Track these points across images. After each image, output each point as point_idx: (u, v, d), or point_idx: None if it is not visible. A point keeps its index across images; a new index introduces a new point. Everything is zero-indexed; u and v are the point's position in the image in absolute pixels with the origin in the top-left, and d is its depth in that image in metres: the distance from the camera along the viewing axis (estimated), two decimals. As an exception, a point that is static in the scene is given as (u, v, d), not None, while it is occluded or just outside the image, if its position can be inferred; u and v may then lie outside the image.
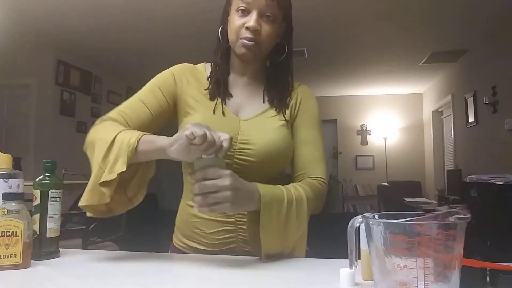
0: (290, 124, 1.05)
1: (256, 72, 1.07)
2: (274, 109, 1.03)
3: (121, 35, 4.44)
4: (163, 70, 1.10)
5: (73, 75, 5.22)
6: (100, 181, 0.83)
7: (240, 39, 0.97)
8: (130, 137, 0.85)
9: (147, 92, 1.02)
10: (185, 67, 1.09)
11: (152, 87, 1.03)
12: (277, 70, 1.07)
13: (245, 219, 0.95)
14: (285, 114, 1.03)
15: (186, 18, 3.88)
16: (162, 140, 0.81)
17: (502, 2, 3.54)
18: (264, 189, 0.87)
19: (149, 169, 0.91)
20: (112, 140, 0.86)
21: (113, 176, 0.82)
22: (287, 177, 1.08)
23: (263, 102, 1.05)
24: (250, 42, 0.96)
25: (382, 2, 3.62)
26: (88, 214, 0.88)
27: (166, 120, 1.03)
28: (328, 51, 5.06)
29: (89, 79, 5.57)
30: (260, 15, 0.96)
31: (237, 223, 0.96)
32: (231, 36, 1.00)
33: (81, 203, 0.86)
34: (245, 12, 0.96)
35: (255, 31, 0.95)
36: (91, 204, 0.85)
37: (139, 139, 0.84)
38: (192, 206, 0.99)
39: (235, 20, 0.97)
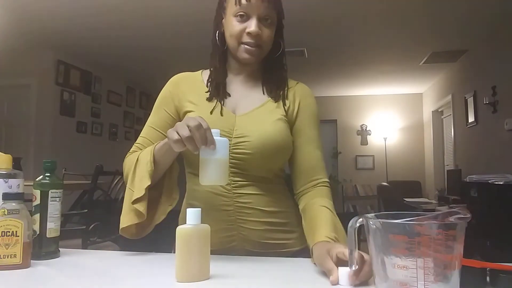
0: (291, 121, 1.06)
1: (253, 70, 1.09)
2: (273, 101, 1.05)
3: (121, 35, 4.44)
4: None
5: (73, 75, 5.22)
6: (132, 199, 0.92)
7: (242, 44, 0.99)
8: (147, 153, 0.95)
9: (155, 117, 1.08)
10: (180, 77, 1.12)
11: (157, 110, 1.09)
12: (273, 65, 1.09)
13: (245, 218, 0.97)
14: (284, 106, 1.05)
15: (186, 18, 3.88)
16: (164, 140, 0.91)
17: (502, 2, 3.54)
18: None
19: (173, 168, 1.00)
20: (136, 161, 0.96)
21: (142, 192, 0.91)
22: (287, 176, 1.08)
23: (263, 93, 1.07)
24: (253, 48, 0.99)
25: (382, 2, 3.62)
26: (125, 235, 0.96)
27: None
28: (328, 51, 5.05)
29: (89, 79, 5.57)
30: (259, 19, 0.97)
31: (238, 221, 0.97)
32: (231, 41, 1.01)
33: (121, 225, 0.94)
34: (244, 17, 0.98)
35: (257, 35, 0.97)
36: (128, 226, 0.93)
37: (154, 151, 0.93)
38: (194, 205, 1.00)
39: (235, 26, 0.99)
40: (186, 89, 1.07)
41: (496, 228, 2.96)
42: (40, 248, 0.88)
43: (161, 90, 1.12)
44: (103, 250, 1.12)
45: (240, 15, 0.97)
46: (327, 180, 1.06)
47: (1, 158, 0.91)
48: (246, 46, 0.99)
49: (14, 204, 0.81)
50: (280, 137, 0.99)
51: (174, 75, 1.14)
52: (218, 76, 1.06)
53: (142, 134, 1.08)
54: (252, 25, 0.97)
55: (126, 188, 0.96)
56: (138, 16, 3.92)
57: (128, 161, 1.01)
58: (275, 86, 1.07)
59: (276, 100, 1.05)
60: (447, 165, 6.20)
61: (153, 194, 0.97)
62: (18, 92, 4.84)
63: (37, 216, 0.89)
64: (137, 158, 0.96)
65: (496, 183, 3.15)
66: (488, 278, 0.64)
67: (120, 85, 6.34)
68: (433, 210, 4.07)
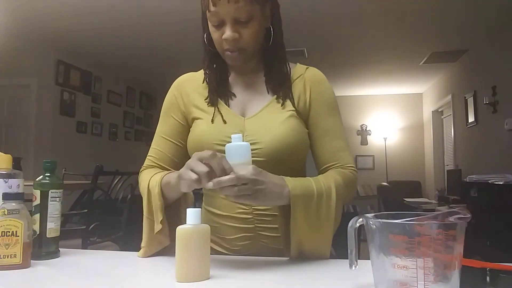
0: (305, 114, 0.99)
1: (255, 66, 1.04)
2: (280, 98, 0.99)
3: (121, 35, 4.44)
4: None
5: (73, 75, 5.22)
6: (155, 232, 0.90)
7: (225, 50, 0.95)
8: (154, 185, 0.91)
9: (164, 125, 1.05)
10: (183, 79, 1.08)
11: (164, 117, 1.06)
12: (271, 54, 1.02)
13: (264, 225, 0.94)
14: (293, 101, 0.98)
15: (187, 17, 3.88)
16: (172, 179, 0.87)
17: (502, 2, 3.54)
18: (293, 182, 0.84)
19: (188, 197, 0.95)
20: (147, 189, 0.93)
21: (159, 226, 0.89)
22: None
23: (267, 93, 1.01)
24: (234, 53, 0.94)
25: (382, 2, 3.62)
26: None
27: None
28: (328, 51, 5.05)
29: (89, 79, 5.57)
30: (235, 22, 0.90)
31: (257, 229, 0.94)
32: (217, 47, 0.97)
33: (143, 256, 0.92)
34: (218, 22, 0.92)
35: (234, 40, 0.91)
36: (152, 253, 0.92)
37: (161, 185, 0.90)
38: (212, 212, 1.00)
39: (213, 33, 0.94)
40: (190, 91, 1.03)
41: (496, 228, 2.96)
42: (40, 248, 0.88)
43: (160, 90, 1.10)
44: (103, 250, 1.12)
45: (214, 21, 0.92)
46: (350, 166, 0.97)
47: (1, 158, 0.91)
48: (227, 52, 0.94)
49: (14, 204, 0.80)
50: (292, 137, 0.94)
51: (174, 74, 1.10)
52: (212, 80, 1.01)
53: (153, 145, 1.05)
54: (226, 31, 0.91)
55: (144, 216, 0.93)
56: (138, 16, 3.92)
57: (142, 182, 0.97)
58: (278, 83, 1.00)
59: (283, 99, 0.99)
60: (447, 165, 6.20)
61: (171, 214, 0.92)
62: (18, 92, 4.84)
63: (37, 216, 0.89)
64: (148, 186, 0.92)
65: (496, 183, 3.15)
66: (488, 278, 0.64)
67: (120, 85, 6.33)
68: (433, 210, 4.07)
